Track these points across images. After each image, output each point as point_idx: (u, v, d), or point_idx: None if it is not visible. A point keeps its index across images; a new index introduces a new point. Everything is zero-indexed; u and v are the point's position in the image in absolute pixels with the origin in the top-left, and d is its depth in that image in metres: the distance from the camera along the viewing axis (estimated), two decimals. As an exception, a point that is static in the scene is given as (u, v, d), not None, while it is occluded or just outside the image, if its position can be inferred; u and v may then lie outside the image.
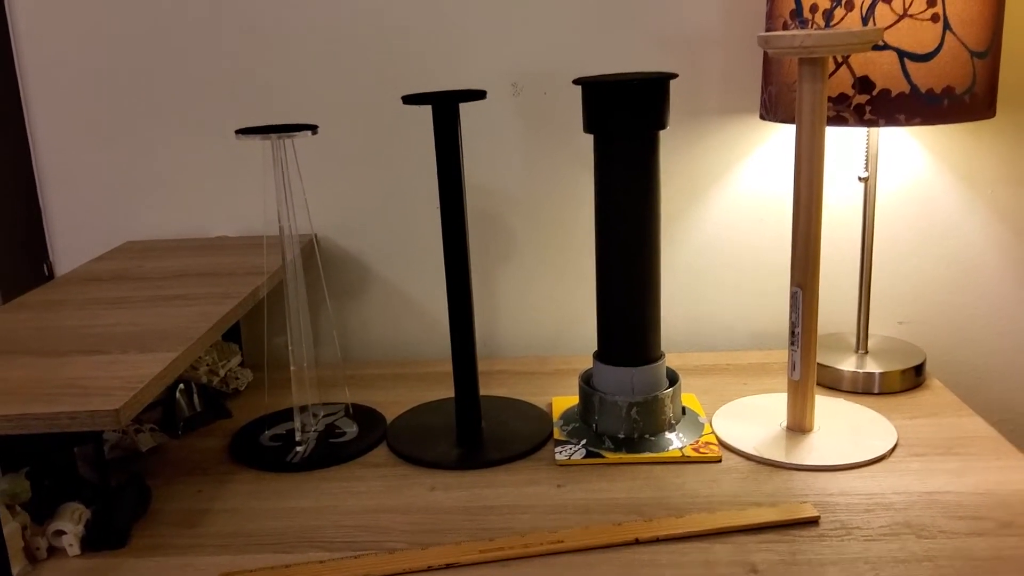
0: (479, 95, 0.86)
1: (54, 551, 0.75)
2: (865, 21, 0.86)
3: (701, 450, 0.86)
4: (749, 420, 0.92)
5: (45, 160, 1.15)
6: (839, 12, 0.87)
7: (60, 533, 0.74)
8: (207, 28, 1.10)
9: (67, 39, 1.12)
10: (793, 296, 0.86)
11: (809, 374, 0.87)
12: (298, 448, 0.90)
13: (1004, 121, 1.08)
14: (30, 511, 0.75)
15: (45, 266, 1.18)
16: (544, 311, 1.17)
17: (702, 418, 0.93)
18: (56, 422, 0.65)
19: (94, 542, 0.75)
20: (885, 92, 0.87)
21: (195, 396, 0.99)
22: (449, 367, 1.12)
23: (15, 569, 0.71)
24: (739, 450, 0.86)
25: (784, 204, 1.12)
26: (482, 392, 1.03)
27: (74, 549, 0.74)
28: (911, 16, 0.85)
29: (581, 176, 1.12)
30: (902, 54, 0.86)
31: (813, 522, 0.74)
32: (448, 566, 0.70)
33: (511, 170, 1.13)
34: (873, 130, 0.98)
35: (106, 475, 0.79)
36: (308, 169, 1.14)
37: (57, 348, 0.78)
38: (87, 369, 0.73)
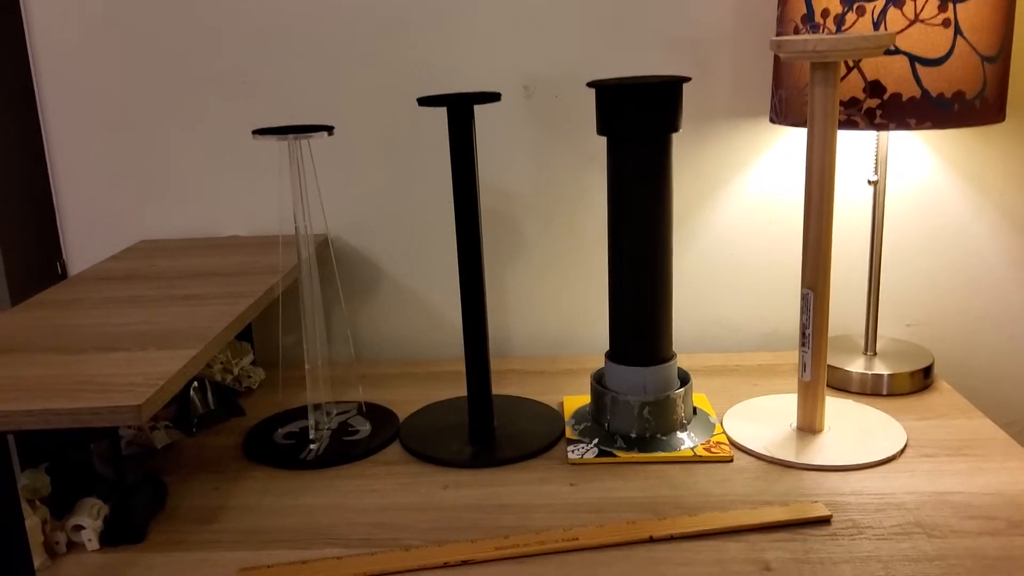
0: (494, 97, 0.86)
1: (73, 546, 0.75)
2: (876, 26, 0.87)
3: (712, 450, 0.87)
4: (760, 420, 0.92)
5: (59, 159, 1.16)
6: (851, 17, 0.88)
7: (79, 528, 0.75)
8: (223, 28, 1.11)
9: (82, 38, 1.12)
10: (804, 298, 0.87)
11: (819, 375, 0.88)
12: (312, 446, 0.91)
13: (1014, 125, 1.08)
14: (49, 506, 0.76)
15: (58, 265, 1.19)
16: (555, 311, 1.18)
17: (713, 418, 0.93)
18: (79, 417, 0.65)
19: (112, 537, 0.76)
20: (896, 96, 0.88)
21: (209, 394, 1.00)
22: (461, 366, 1.12)
23: (35, 563, 0.71)
24: (750, 450, 0.87)
25: (794, 206, 1.13)
26: (494, 391, 1.04)
27: (93, 544, 0.75)
28: (922, 21, 0.86)
29: (593, 177, 1.13)
30: (913, 59, 0.87)
31: (825, 521, 0.74)
32: (464, 563, 0.71)
33: (523, 171, 1.13)
34: (883, 134, 0.99)
35: (123, 471, 0.80)
36: (323, 169, 1.15)
37: (74, 346, 0.79)
38: (106, 366, 0.73)
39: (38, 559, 0.72)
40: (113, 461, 0.80)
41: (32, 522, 0.72)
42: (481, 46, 1.10)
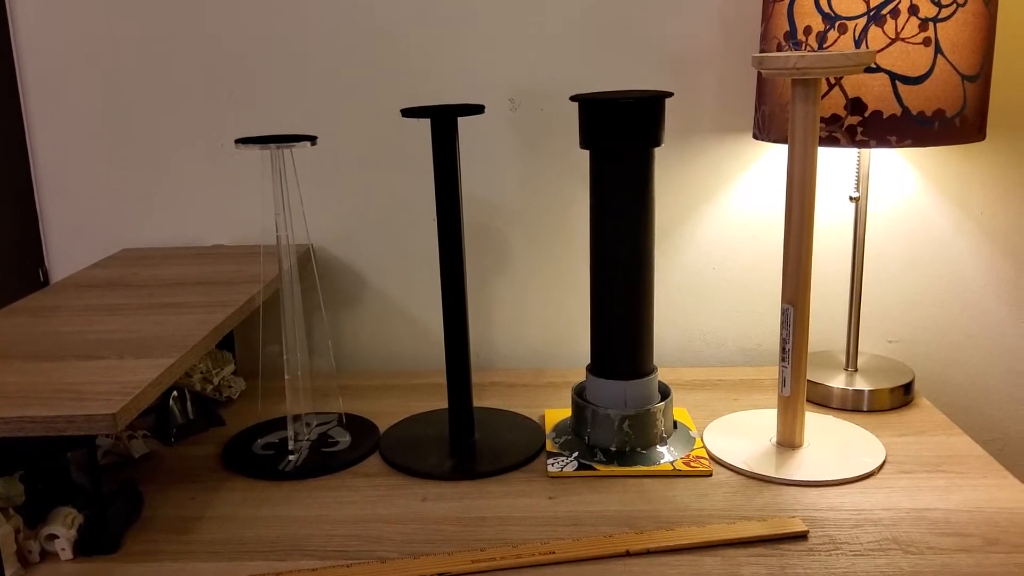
0: (478, 109, 0.87)
1: (46, 555, 0.75)
2: (858, 44, 0.88)
3: (692, 464, 0.87)
4: (740, 435, 0.92)
5: (43, 166, 1.16)
6: (832, 35, 0.89)
7: (53, 537, 0.74)
8: (207, 37, 1.11)
9: (67, 46, 1.12)
10: (784, 313, 0.87)
11: (799, 390, 0.88)
12: (291, 457, 0.91)
13: (994, 144, 1.09)
14: (23, 515, 0.75)
15: (40, 272, 1.18)
16: (538, 324, 1.18)
17: (693, 432, 0.93)
18: (53, 425, 0.65)
19: (86, 547, 0.75)
20: (877, 114, 0.88)
21: (188, 404, 1.00)
22: (442, 378, 1.12)
23: (8, 572, 0.71)
24: (729, 464, 0.87)
25: (776, 222, 1.13)
26: (475, 403, 1.04)
27: (66, 553, 0.74)
28: (903, 40, 0.87)
29: (576, 191, 1.13)
30: (894, 77, 0.87)
31: (802, 537, 0.74)
32: (439, 575, 0.70)
33: (507, 184, 1.14)
34: (864, 151, 1.00)
35: (99, 481, 0.80)
36: (306, 179, 1.15)
37: (53, 353, 0.78)
38: (83, 374, 0.73)
39: (10, 568, 0.71)
40: (89, 470, 0.80)
41: (5, 531, 0.71)
42: (467, 59, 1.10)
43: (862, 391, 0.99)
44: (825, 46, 0.89)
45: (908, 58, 0.87)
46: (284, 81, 1.12)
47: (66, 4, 1.11)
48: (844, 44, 0.88)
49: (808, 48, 0.91)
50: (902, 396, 1.00)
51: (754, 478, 0.85)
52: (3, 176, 1.15)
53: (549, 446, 0.91)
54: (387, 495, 0.84)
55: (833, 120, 0.90)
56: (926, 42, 0.87)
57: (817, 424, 0.95)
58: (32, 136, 1.15)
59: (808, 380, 1.02)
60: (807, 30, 0.90)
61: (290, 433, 0.95)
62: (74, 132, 1.15)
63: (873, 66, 0.88)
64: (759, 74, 1.00)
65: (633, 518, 0.78)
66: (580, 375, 1.12)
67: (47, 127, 1.15)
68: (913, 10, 0.86)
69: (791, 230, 0.85)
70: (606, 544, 0.73)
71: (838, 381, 1.01)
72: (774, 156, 1.11)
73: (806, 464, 0.86)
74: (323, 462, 0.90)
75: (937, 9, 0.86)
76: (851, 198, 1.01)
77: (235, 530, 0.78)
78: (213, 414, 1.01)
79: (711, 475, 0.85)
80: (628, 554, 0.72)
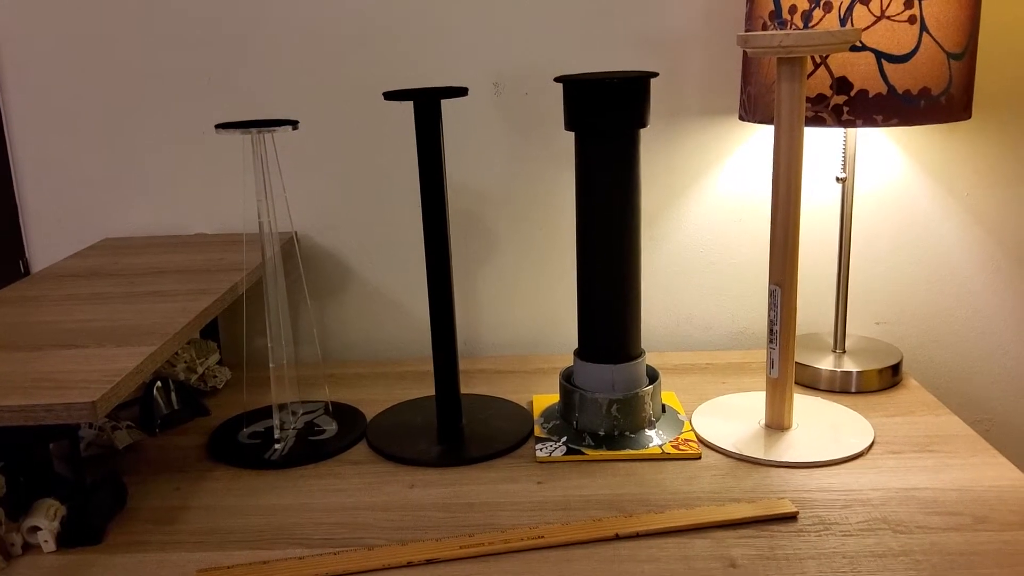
0: (460, 92, 0.86)
1: (29, 547, 0.74)
2: (843, 22, 0.87)
3: (681, 447, 0.86)
4: (728, 418, 0.92)
5: (22, 156, 1.14)
6: (817, 13, 0.88)
7: (35, 529, 0.73)
8: (186, 24, 1.09)
9: (45, 35, 1.11)
10: (772, 294, 0.87)
11: (787, 371, 0.88)
12: (277, 446, 0.90)
13: (980, 123, 1.09)
14: (5, 507, 0.74)
15: (21, 263, 1.17)
16: (525, 309, 1.17)
17: (682, 416, 0.93)
18: (31, 414, 0.64)
19: (70, 539, 0.74)
20: (863, 93, 0.88)
21: (172, 394, 0.99)
22: (430, 366, 1.11)
23: (-11, 565, 0.70)
24: (718, 447, 0.86)
25: (763, 204, 1.13)
26: (463, 390, 1.03)
27: (49, 546, 0.73)
28: (888, 18, 0.86)
29: (562, 174, 1.13)
30: (879, 55, 0.87)
31: (791, 518, 0.74)
32: (428, 562, 0.70)
33: (492, 168, 1.13)
34: (851, 131, 0.99)
35: (82, 472, 0.79)
36: (288, 166, 1.14)
37: (32, 342, 0.77)
38: (63, 363, 0.72)
39: (-8, 561, 0.70)
40: (72, 461, 0.79)
41: (-15, 523, 0.70)
42: (450, 43, 1.09)
43: (850, 372, 0.99)
44: (811, 25, 0.89)
45: (893, 36, 0.86)
46: (264, 66, 1.10)
47: (42, -10, 1.09)
48: (829, 22, 0.88)
49: (793, 27, 0.90)
50: (890, 377, 1.00)
51: (743, 460, 0.84)
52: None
53: (537, 431, 0.91)
54: (374, 483, 0.83)
55: (819, 100, 0.89)
56: (911, 20, 0.86)
57: (806, 406, 0.94)
58: (10, 125, 1.13)
59: (796, 362, 1.02)
60: (792, 9, 0.89)
61: (276, 422, 0.94)
62: (53, 121, 1.13)
63: (858, 44, 0.87)
64: (744, 54, 0.99)
65: (622, 502, 0.78)
66: (568, 360, 1.12)
67: (26, 117, 1.13)
68: (898, -12, 0.86)
69: (778, 210, 0.85)
70: (595, 528, 0.73)
71: (826, 363, 1.01)
72: (760, 137, 1.11)
73: (795, 446, 0.86)
74: (310, 450, 0.89)
75: (922, -14, 0.86)
76: (838, 179, 1.00)
77: (221, 520, 0.78)
78: (198, 404, 1.00)
79: (700, 458, 0.85)
80: (617, 537, 0.72)
